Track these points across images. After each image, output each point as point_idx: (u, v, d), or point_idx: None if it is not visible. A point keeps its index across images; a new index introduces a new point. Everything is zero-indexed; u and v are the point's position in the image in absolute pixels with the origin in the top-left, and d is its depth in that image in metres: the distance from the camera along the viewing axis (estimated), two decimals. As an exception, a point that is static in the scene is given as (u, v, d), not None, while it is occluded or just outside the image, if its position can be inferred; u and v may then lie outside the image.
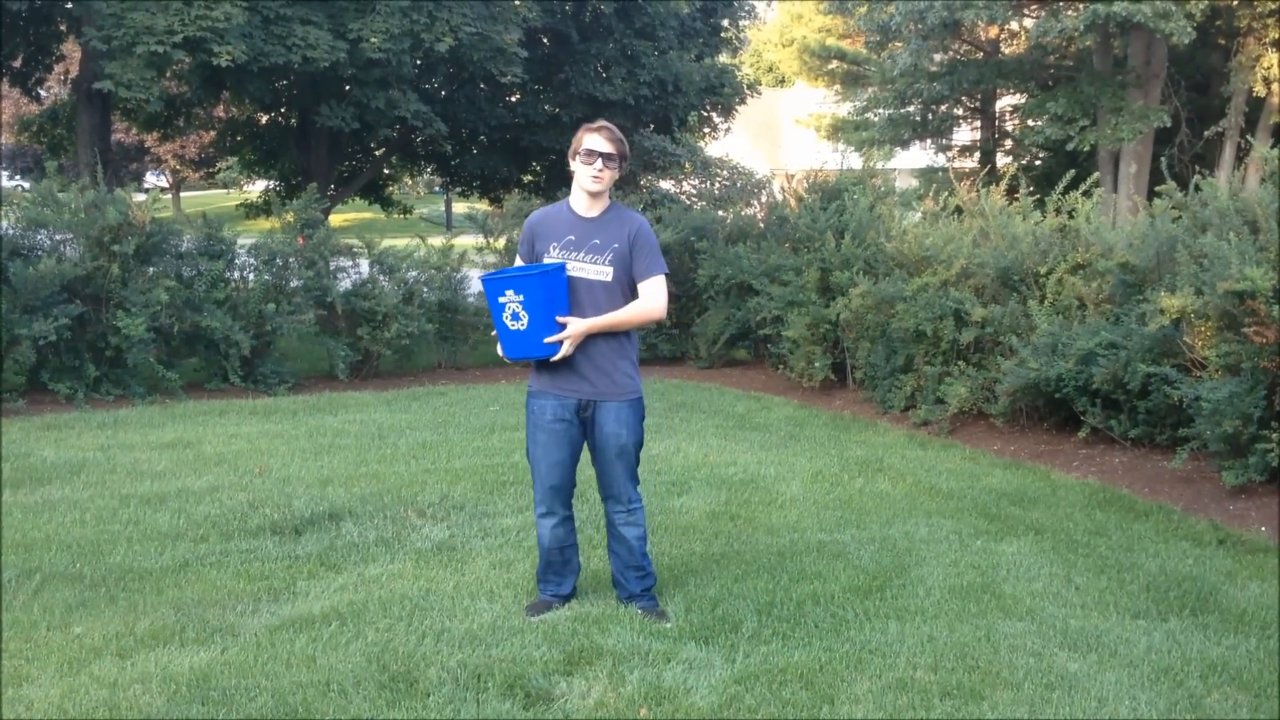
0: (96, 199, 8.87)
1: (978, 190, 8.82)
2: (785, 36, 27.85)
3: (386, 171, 21.39)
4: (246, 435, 7.40)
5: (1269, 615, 4.21)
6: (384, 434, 7.46)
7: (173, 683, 3.56)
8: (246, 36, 12.65)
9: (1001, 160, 19.29)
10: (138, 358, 8.75)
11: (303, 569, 4.69)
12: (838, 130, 22.51)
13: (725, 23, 20.55)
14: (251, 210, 21.24)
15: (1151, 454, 6.63)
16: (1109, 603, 4.35)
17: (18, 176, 34.21)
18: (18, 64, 16.37)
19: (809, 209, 10.05)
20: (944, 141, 21.08)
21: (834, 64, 23.24)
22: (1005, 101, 21.18)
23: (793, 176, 11.42)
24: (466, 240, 11.59)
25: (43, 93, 19.94)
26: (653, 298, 4.07)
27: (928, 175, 18.47)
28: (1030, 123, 18.60)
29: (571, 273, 4.00)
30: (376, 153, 19.59)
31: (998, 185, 8.77)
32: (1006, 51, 19.97)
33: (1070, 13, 14.63)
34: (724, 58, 22.23)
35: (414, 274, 10.46)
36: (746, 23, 22.64)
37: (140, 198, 9.70)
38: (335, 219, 19.27)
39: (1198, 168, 8.74)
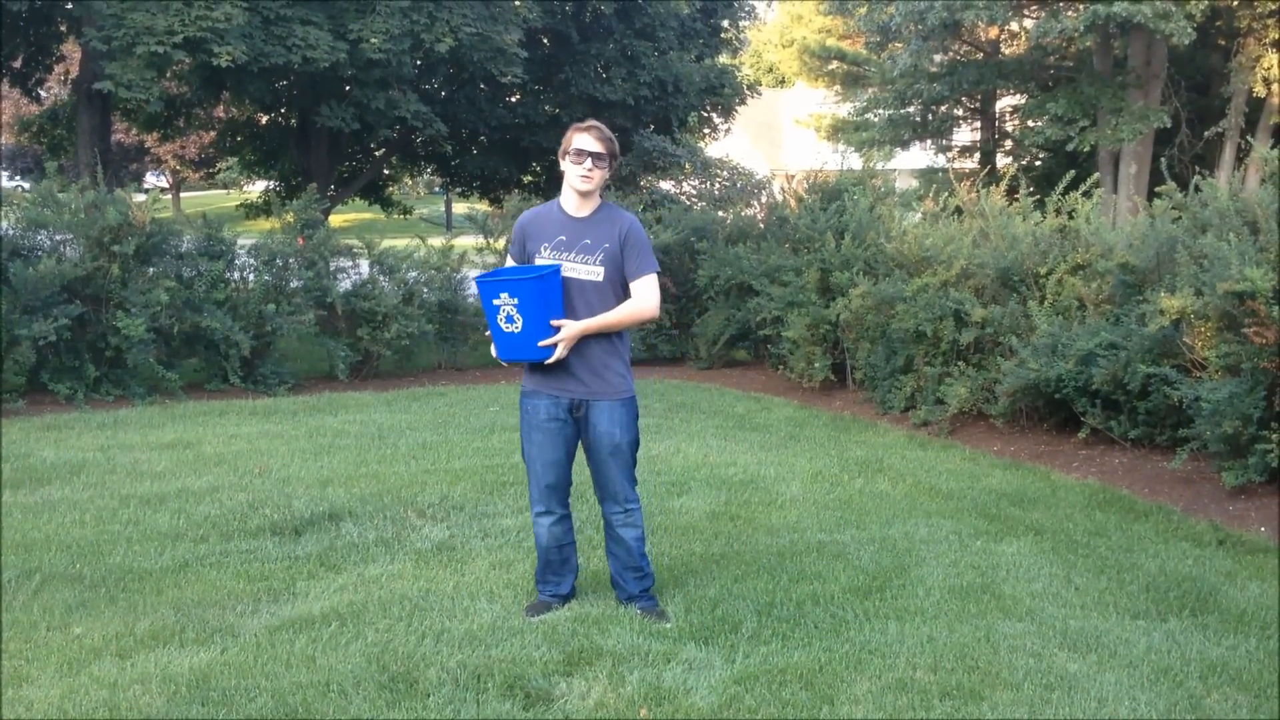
0: (96, 199, 8.87)
1: (978, 191, 8.82)
2: (785, 37, 27.85)
3: (386, 172, 21.40)
4: (246, 436, 7.40)
5: (1269, 616, 4.21)
6: (384, 434, 7.46)
7: (172, 683, 3.56)
8: (247, 37, 12.66)
9: (1001, 161, 19.29)
10: (138, 358, 8.75)
11: (302, 569, 4.69)
12: (838, 131, 22.51)
13: (725, 23, 20.58)
14: (251, 211, 21.25)
15: (1151, 454, 6.63)
16: (1109, 603, 4.35)
17: (18, 177, 34.21)
18: (18, 64, 16.38)
19: (809, 209, 10.05)
20: (944, 142, 21.09)
21: (834, 64, 23.24)
22: (1005, 102, 21.19)
23: (793, 177, 11.42)
24: (466, 241, 11.59)
25: (43, 93, 19.97)
26: (645, 297, 4.07)
27: (928, 176, 18.48)
28: (1030, 123, 18.61)
29: (563, 273, 4.01)
30: (376, 153, 19.60)
31: (998, 186, 8.77)
32: (1007, 52, 19.97)
33: (1070, 13, 14.63)
34: (724, 58, 22.25)
35: (414, 274, 10.46)
36: (746, 23, 22.66)
37: (140, 198, 9.70)
38: (335, 219, 19.27)
39: (1198, 168, 8.73)
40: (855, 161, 14.17)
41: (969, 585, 4.53)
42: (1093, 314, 7.00)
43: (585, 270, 4.02)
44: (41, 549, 4.89)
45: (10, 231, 8.86)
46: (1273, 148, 7.19)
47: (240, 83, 14.09)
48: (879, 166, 12.49)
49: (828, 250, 9.16)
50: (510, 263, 4.22)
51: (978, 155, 21.18)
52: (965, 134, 22.23)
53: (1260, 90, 16.39)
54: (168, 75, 14.29)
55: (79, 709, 3.40)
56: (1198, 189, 7.14)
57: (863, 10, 19.32)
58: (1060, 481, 6.29)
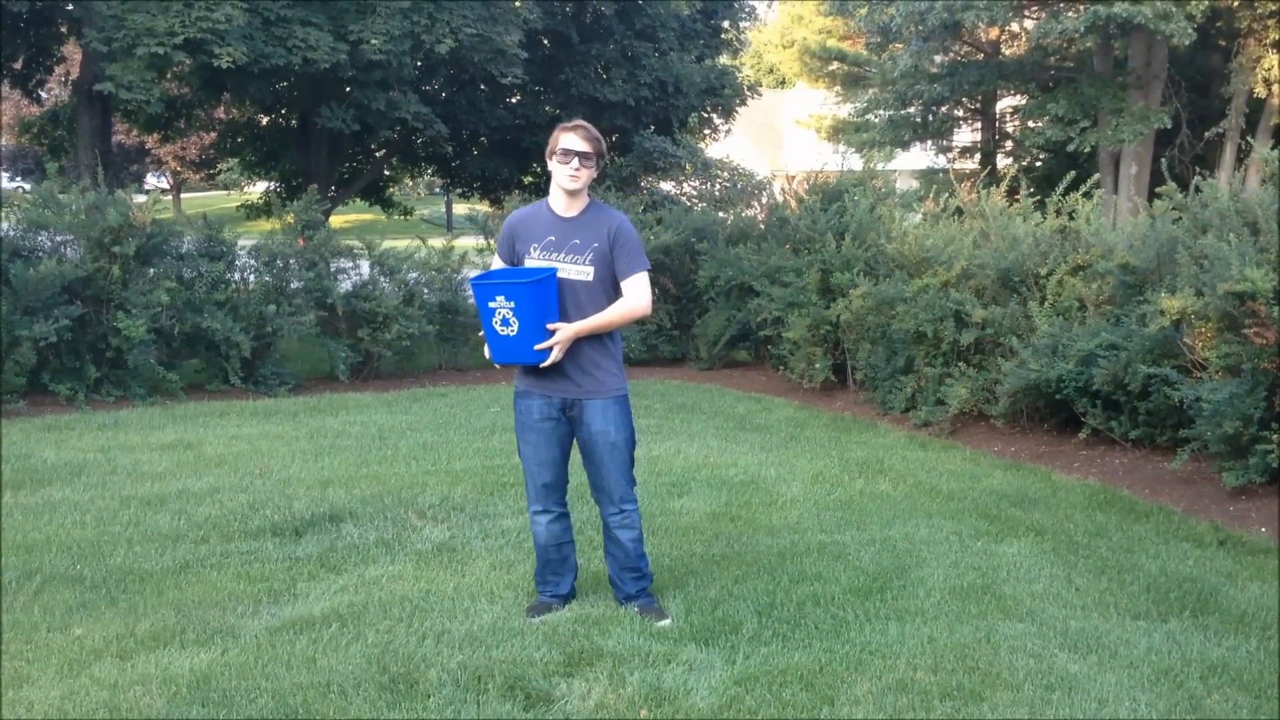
0: (97, 200, 8.87)
1: (978, 191, 8.82)
2: (786, 38, 27.81)
3: (387, 173, 21.40)
4: (247, 436, 7.40)
5: (1269, 616, 4.21)
6: (384, 435, 7.46)
7: (173, 684, 3.56)
8: (247, 38, 12.66)
9: (1002, 161, 19.28)
10: (138, 359, 8.75)
11: (303, 570, 4.69)
12: (838, 131, 22.53)
13: (726, 24, 20.58)
14: (252, 211, 21.25)
15: (1152, 455, 6.63)
16: (1109, 604, 4.35)
17: (18, 178, 34.23)
18: (18, 66, 16.38)
19: (809, 210, 10.05)
20: (944, 143, 21.09)
21: (835, 65, 23.25)
22: (1006, 103, 21.19)
23: (793, 178, 11.44)
24: (467, 241, 11.60)
25: (43, 94, 19.99)
26: (636, 296, 4.07)
27: (928, 176, 18.51)
28: (1031, 124, 18.61)
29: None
30: (377, 154, 19.61)
31: (998, 186, 8.77)
32: (1007, 53, 19.97)
33: (1071, 14, 14.64)
34: (724, 59, 22.25)
35: (414, 275, 10.46)
36: (747, 24, 22.66)
37: (141, 199, 9.72)
38: (336, 220, 19.26)
39: (1198, 169, 8.72)
40: (856, 162, 14.20)
41: (969, 586, 4.53)
42: (1093, 314, 7.00)
43: (575, 270, 4.02)
44: (42, 550, 4.89)
45: (11, 232, 8.87)
46: (1273, 148, 7.20)
47: (241, 84, 14.09)
48: (879, 167, 12.48)
49: (828, 251, 9.16)
50: (498, 262, 4.21)
51: (978, 156, 21.18)
52: (966, 135, 22.23)
53: (1261, 91, 16.38)
54: (168, 76, 14.30)
55: (79, 710, 3.40)
56: (1198, 190, 7.13)
57: (863, 11, 19.32)
58: (1061, 482, 6.29)
